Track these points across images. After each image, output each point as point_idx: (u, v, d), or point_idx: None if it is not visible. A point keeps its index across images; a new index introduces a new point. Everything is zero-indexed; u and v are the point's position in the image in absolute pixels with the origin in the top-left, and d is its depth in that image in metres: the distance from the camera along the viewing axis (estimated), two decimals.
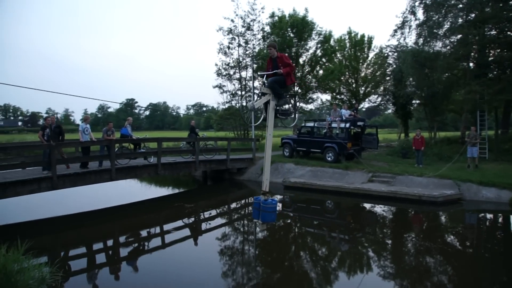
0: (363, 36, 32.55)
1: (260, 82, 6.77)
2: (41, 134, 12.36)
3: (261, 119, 6.97)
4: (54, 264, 6.13)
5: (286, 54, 6.26)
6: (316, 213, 12.87)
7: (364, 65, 33.56)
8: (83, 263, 8.42)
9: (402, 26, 22.58)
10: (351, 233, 10.66)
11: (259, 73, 6.77)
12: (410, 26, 22.30)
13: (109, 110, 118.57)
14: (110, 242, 10.00)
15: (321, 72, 29.38)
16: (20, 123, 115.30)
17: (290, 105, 6.77)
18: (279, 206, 14.04)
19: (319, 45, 28.12)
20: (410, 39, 22.89)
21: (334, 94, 33.58)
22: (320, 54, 28.45)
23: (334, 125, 17.86)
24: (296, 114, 7.23)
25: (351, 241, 9.83)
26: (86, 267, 8.04)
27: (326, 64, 29.37)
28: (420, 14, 21.56)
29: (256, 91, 6.75)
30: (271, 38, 27.54)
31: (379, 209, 12.83)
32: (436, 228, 11.08)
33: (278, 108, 6.26)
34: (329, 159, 17.72)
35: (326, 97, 34.77)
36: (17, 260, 5.52)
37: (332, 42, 29.68)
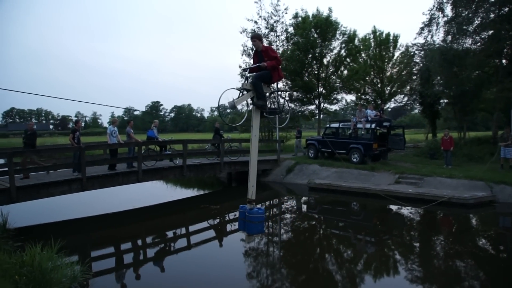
0: (388, 35, 32.00)
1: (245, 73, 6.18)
2: (71, 137, 12.74)
3: (244, 119, 6.44)
4: (85, 263, 6.31)
5: (273, 47, 5.67)
6: (342, 215, 12.71)
7: (390, 65, 32.97)
8: (111, 262, 8.65)
9: (429, 23, 21.95)
10: (377, 235, 10.47)
11: (242, 67, 6.25)
12: (437, 23, 21.62)
13: (135, 113, 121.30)
14: (137, 243, 10.21)
15: (345, 72, 29.07)
16: (51, 126, 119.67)
17: (282, 101, 6.21)
18: (303, 208, 13.97)
19: (343, 45, 27.83)
20: (438, 36, 22.28)
21: (359, 94, 33.15)
22: (344, 54, 28.15)
23: (359, 125, 17.62)
24: (288, 113, 6.64)
25: (377, 243, 9.66)
26: (114, 266, 8.26)
27: (351, 64, 29.02)
28: (448, 10, 20.93)
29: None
30: (294, 38, 27.48)
31: (406, 211, 12.54)
32: (466, 231, 10.73)
33: (262, 105, 5.57)
34: (354, 160, 17.49)
35: (350, 97, 34.41)
36: (51, 258, 5.74)
37: (356, 42, 29.30)
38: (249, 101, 5.61)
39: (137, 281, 7.35)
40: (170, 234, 10.82)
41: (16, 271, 5.33)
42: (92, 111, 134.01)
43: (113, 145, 12.97)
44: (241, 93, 5.42)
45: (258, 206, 5.23)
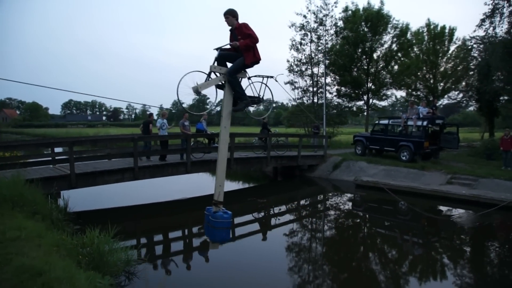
0: (443, 27, 30.37)
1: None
2: (141, 128, 13.87)
3: (214, 106, 5.43)
4: (137, 248, 6.66)
5: (247, 23, 4.61)
6: (388, 214, 12.40)
7: (444, 59, 31.36)
8: (159, 249, 9.05)
9: (491, 14, 20.42)
10: (425, 237, 10.12)
11: (213, 48, 4.79)
12: (501, 14, 20.04)
13: (184, 105, 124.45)
14: (184, 232, 10.57)
15: (396, 67, 28.10)
16: (104, 118, 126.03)
17: (263, 89, 5.24)
18: (348, 205, 13.75)
19: (394, 39, 26.91)
20: (501, 28, 20.68)
21: (410, 90, 31.89)
22: (395, 48, 27.21)
23: (410, 122, 17.01)
24: (272, 102, 5.68)
25: (425, 245, 9.34)
26: (161, 253, 8.64)
27: (402, 59, 28.00)
28: None
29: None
30: (344, 33, 26.94)
31: (458, 213, 12.00)
32: None
33: (246, 105, 4.86)
34: (403, 158, 16.94)
35: (400, 93, 33.23)
36: (108, 242, 6.11)
37: (409, 36, 28.18)
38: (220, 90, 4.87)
39: (182, 269, 7.66)
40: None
41: (78, 251, 5.75)
42: (141, 104, 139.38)
43: (164, 136, 13.47)
44: (208, 78, 4.67)
45: (224, 209, 4.68)
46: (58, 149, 13.88)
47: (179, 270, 7.57)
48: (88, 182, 11.38)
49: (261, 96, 5.14)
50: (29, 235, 5.55)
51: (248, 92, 5.00)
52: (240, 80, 4.76)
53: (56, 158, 11.98)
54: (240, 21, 4.65)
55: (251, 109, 5.65)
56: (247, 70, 4.86)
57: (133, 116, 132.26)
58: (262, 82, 5.19)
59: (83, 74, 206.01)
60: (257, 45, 4.62)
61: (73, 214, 9.69)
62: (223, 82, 4.69)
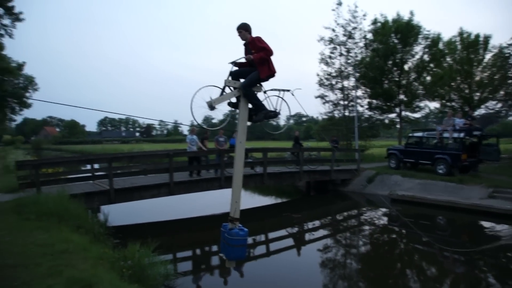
0: (477, 36, 29.47)
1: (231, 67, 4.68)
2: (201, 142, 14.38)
3: (226, 121, 5.34)
4: (173, 263, 6.80)
5: (260, 36, 4.57)
6: (426, 229, 11.97)
7: (479, 68, 30.37)
8: (195, 264, 9.18)
9: None
10: (467, 253, 9.67)
11: (228, 62, 4.75)
12: None
13: (213, 121, 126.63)
14: (219, 247, 10.62)
15: (428, 78, 27.50)
16: (137, 134, 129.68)
17: (279, 102, 5.09)
18: (384, 220, 13.46)
19: (426, 50, 26.41)
20: None
21: (444, 101, 31.02)
22: (427, 59, 26.68)
23: (445, 135, 16.56)
24: (290, 117, 5.50)
25: (467, 263, 8.95)
26: (197, 268, 8.75)
27: (434, 69, 27.37)
28: None
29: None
30: (373, 45, 26.75)
31: (502, 228, 11.47)
32: None
33: (266, 116, 4.77)
34: (440, 171, 16.44)
35: (434, 104, 32.35)
36: (148, 256, 6.27)
37: (440, 46, 27.59)
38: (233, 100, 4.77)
39: (219, 284, 7.72)
40: (249, 240, 11.10)
41: (120, 264, 5.94)
42: (173, 119, 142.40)
43: (197, 152, 13.74)
44: (223, 92, 4.61)
45: (241, 226, 4.57)
46: (96, 165, 14.43)
47: (215, 285, 7.64)
48: (126, 197, 11.74)
49: (277, 110, 5.00)
50: (75, 248, 5.81)
51: None
52: (256, 93, 4.72)
53: (96, 174, 12.44)
54: (264, 35, 4.61)
55: (282, 122, 5.59)
56: (263, 84, 4.82)
57: (165, 132, 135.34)
58: (278, 96, 5.07)
59: (115, 91, 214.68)
60: (273, 58, 4.58)
61: (113, 228, 10.00)
62: (237, 96, 4.64)
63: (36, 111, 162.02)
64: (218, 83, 4.61)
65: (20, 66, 41.83)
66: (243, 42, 4.69)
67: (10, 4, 25.78)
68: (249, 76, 4.53)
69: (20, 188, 10.92)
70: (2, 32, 27.39)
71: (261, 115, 4.66)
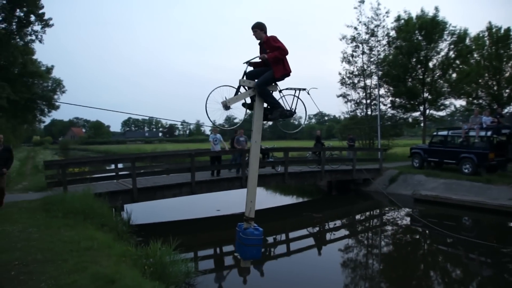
0: (508, 30, 28.51)
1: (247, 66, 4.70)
2: (230, 142, 14.73)
3: (243, 119, 5.16)
4: (195, 260, 6.90)
5: (275, 36, 4.53)
6: (451, 230, 11.70)
7: (509, 64, 29.36)
8: (215, 263, 9.26)
9: None
10: (494, 256, 9.40)
11: (243, 62, 4.70)
12: None
13: (235, 120, 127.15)
14: None
15: (454, 75, 26.79)
16: (160, 134, 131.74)
17: (295, 102, 5.03)
18: (406, 220, 13.23)
19: (452, 46, 25.71)
20: None
21: (470, 99, 30.15)
22: (453, 55, 25.98)
23: (472, 133, 16.10)
24: (305, 115, 5.34)
25: (494, 265, 8.70)
26: (218, 266, 8.82)
27: (461, 66, 26.63)
28: None
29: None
30: (396, 42, 26.28)
31: None
32: None
33: (281, 115, 4.75)
34: (466, 171, 16.00)
35: (460, 102, 31.48)
36: (169, 254, 6.40)
37: (467, 41, 26.81)
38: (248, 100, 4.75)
39: (238, 283, 7.78)
40: (270, 239, 11.13)
41: (142, 262, 6.08)
42: (195, 119, 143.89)
43: (218, 152, 13.86)
44: (238, 92, 4.62)
45: (256, 225, 4.56)
46: (120, 165, 14.81)
47: (235, 284, 7.71)
48: (148, 196, 11.99)
49: (293, 109, 4.98)
50: (100, 245, 5.99)
51: None
52: (271, 92, 4.73)
53: (120, 173, 12.74)
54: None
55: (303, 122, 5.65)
56: (278, 83, 4.81)
57: (187, 132, 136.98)
58: (294, 95, 5.04)
59: (139, 92, 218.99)
60: (288, 57, 4.56)
61: (136, 226, 10.23)
62: (252, 96, 4.64)
63: (63, 112, 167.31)
64: (236, 83, 4.64)
65: (49, 70, 43.28)
66: (258, 41, 4.68)
67: (40, 11, 26.81)
68: (264, 75, 4.53)
69: (48, 187, 11.31)
70: (33, 37, 28.53)
71: (276, 113, 4.65)
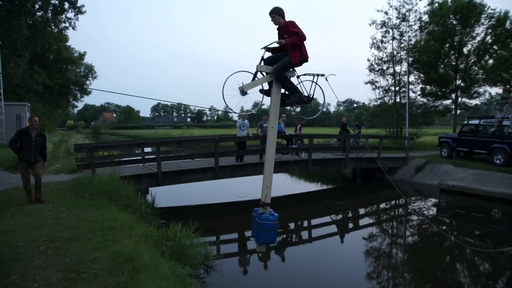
0: None
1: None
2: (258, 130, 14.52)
3: (259, 105, 5.05)
4: (215, 244, 7.05)
5: (294, 21, 4.45)
6: (479, 223, 11.40)
7: None
8: (235, 247, 9.40)
9: None
10: None
11: (260, 48, 4.63)
12: None
13: (263, 107, 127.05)
14: None
15: (490, 61, 25.56)
16: (188, 119, 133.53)
17: (313, 87, 4.98)
18: (433, 211, 12.96)
19: (489, 31, 24.45)
20: None
21: (508, 86, 28.76)
22: (490, 40, 24.74)
23: (505, 122, 15.43)
24: (324, 102, 5.27)
25: None
26: (238, 251, 8.96)
27: (499, 51, 25.32)
28: None
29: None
30: (429, 27, 25.31)
31: None
32: None
33: (298, 100, 4.70)
34: (497, 161, 15.40)
35: (496, 90, 30.15)
36: (189, 236, 6.57)
37: (507, 25, 25.39)
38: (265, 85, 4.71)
39: (259, 267, 7.88)
40: (292, 225, 11.19)
41: (162, 243, 6.28)
42: (223, 105, 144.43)
43: (242, 137, 13.93)
44: (255, 77, 4.57)
45: (271, 210, 4.53)
46: (147, 149, 15.17)
47: (255, 268, 7.82)
48: (173, 180, 12.27)
49: (311, 95, 4.96)
50: (122, 225, 6.22)
51: None
52: (289, 77, 4.68)
53: (146, 157, 13.06)
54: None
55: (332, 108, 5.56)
56: (296, 69, 4.75)
57: (215, 117, 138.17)
58: (312, 81, 4.98)
59: (168, 78, 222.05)
60: (305, 43, 4.50)
61: (159, 209, 10.50)
62: (269, 81, 4.61)
63: (95, 97, 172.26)
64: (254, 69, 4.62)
65: (81, 56, 44.52)
66: (276, 27, 4.61)
67: None
68: (282, 60, 4.48)
69: (78, 169, 11.76)
70: (67, 24, 29.40)
71: (294, 98, 4.63)
